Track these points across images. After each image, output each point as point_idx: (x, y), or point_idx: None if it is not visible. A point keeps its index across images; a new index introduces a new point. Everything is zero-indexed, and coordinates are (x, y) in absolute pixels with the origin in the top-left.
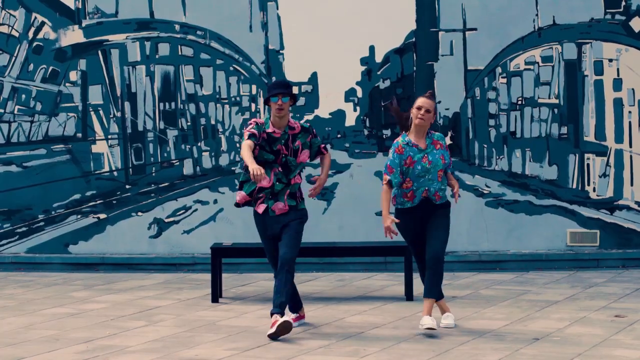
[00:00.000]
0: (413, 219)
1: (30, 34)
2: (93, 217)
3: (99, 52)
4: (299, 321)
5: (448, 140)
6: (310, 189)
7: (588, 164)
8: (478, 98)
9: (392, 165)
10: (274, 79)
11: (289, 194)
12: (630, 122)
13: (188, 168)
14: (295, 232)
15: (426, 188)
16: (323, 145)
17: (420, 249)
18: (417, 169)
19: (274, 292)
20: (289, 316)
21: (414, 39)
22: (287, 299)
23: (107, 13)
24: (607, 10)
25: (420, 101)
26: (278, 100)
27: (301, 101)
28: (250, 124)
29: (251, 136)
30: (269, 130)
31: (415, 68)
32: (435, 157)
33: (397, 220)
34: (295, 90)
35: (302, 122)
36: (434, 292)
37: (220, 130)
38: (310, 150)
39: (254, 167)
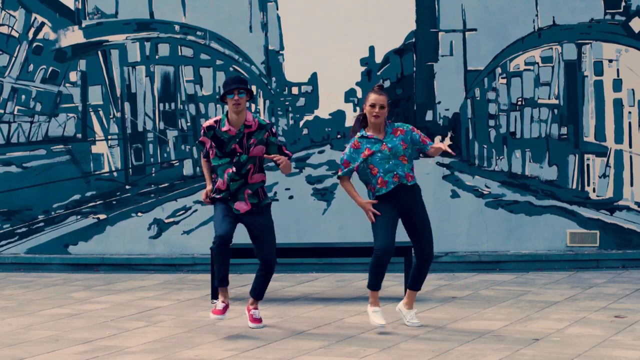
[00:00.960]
0: (391, 204)
1: (30, 35)
2: (93, 218)
3: (99, 53)
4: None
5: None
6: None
7: (588, 165)
8: (478, 98)
9: (348, 159)
10: (273, 79)
11: (249, 193)
12: (630, 123)
13: (188, 168)
14: (269, 231)
15: (395, 172)
16: (284, 148)
17: (390, 233)
18: (378, 156)
19: (259, 286)
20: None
21: (413, 40)
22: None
23: (107, 13)
24: (607, 11)
25: (372, 98)
26: (234, 96)
27: (301, 101)
28: (202, 129)
29: (203, 150)
30: (225, 128)
31: (415, 68)
32: (395, 144)
33: (375, 201)
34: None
35: (261, 118)
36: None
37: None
38: (266, 147)
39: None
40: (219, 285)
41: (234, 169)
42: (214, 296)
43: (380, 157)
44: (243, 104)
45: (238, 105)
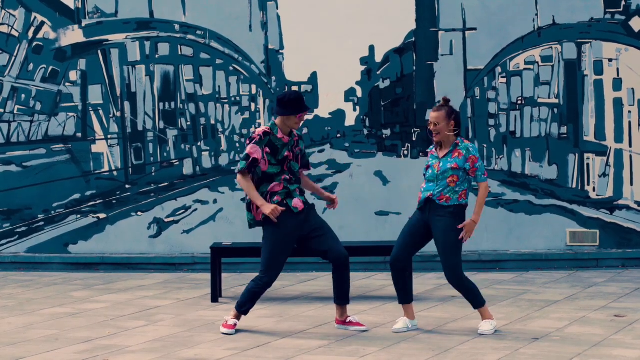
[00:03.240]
0: (418, 217)
1: (30, 34)
2: (93, 217)
3: (99, 52)
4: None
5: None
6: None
7: (588, 164)
8: (478, 98)
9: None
10: (273, 78)
11: (299, 190)
12: (630, 122)
13: (188, 168)
14: (329, 226)
15: (430, 192)
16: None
17: (407, 244)
18: (428, 173)
19: (342, 290)
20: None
21: (413, 39)
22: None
23: (106, 13)
24: (607, 10)
25: (430, 116)
26: (304, 115)
27: None
28: (254, 138)
29: (253, 162)
30: (279, 135)
31: (415, 68)
32: (447, 166)
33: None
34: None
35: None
36: None
37: (220, 130)
38: (301, 159)
39: (268, 210)
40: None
41: (289, 176)
42: (214, 298)
43: (429, 175)
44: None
45: (300, 124)
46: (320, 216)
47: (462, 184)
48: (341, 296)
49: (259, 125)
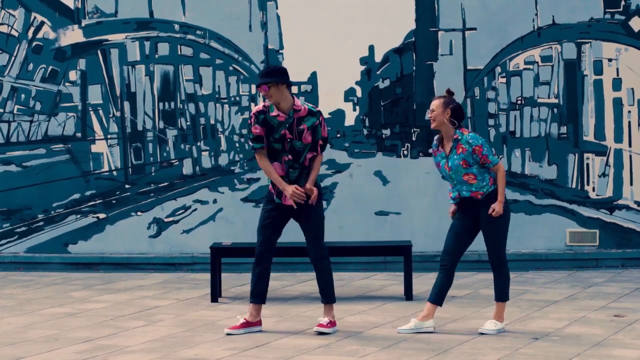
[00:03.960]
0: (461, 212)
1: (30, 34)
2: (92, 217)
3: (99, 52)
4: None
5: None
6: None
7: (587, 164)
8: (477, 98)
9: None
10: None
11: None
12: (629, 122)
13: (187, 168)
14: (316, 222)
15: (457, 193)
16: (321, 143)
17: (455, 246)
18: (443, 174)
19: (321, 288)
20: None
21: (413, 39)
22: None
23: (106, 13)
24: (607, 10)
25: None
26: (261, 91)
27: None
28: (252, 117)
29: (258, 141)
30: (274, 113)
31: (414, 68)
32: (455, 163)
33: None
34: (296, 88)
35: (310, 105)
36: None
37: (220, 130)
38: (312, 136)
39: (289, 191)
40: (252, 302)
41: (290, 156)
42: (214, 298)
43: (445, 175)
44: (273, 95)
45: (270, 97)
46: (315, 211)
47: (482, 177)
48: (321, 294)
49: None
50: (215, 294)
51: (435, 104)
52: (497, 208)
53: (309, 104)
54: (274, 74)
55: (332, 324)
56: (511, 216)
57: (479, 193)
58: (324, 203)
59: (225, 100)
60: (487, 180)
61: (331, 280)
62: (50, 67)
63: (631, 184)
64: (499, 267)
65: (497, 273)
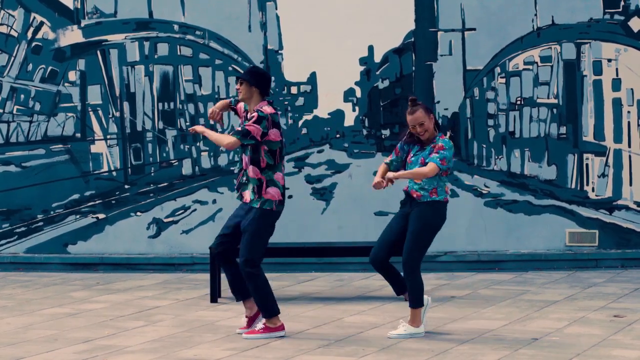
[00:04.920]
0: (400, 206)
1: (29, 34)
2: (92, 217)
3: (98, 52)
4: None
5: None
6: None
7: (587, 164)
8: (477, 98)
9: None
10: (273, 78)
11: (246, 183)
12: (629, 122)
13: (187, 168)
14: (248, 233)
15: (407, 185)
16: (238, 129)
17: (386, 240)
18: (408, 165)
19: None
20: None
21: (412, 39)
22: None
23: (106, 13)
24: (606, 10)
25: (408, 120)
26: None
27: (300, 101)
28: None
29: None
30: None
31: (414, 68)
32: (418, 159)
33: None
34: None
35: (263, 112)
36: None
37: (219, 130)
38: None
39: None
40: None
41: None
42: (213, 299)
43: (408, 166)
44: (242, 92)
45: (239, 93)
46: (249, 220)
47: (429, 181)
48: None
49: None
50: (215, 295)
51: (420, 117)
52: (389, 175)
53: (260, 112)
54: (251, 74)
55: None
56: (511, 216)
57: (418, 194)
58: (323, 203)
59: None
60: (431, 187)
61: (256, 293)
62: (50, 68)
63: (630, 184)
64: (409, 273)
65: (408, 279)
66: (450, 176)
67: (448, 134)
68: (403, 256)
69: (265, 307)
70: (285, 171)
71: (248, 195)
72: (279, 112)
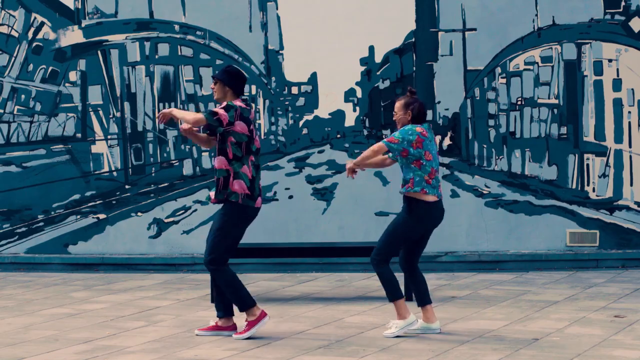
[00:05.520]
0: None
1: (30, 34)
2: (92, 218)
3: (99, 53)
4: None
5: (447, 141)
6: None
7: (587, 164)
8: (478, 98)
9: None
10: (273, 79)
11: (214, 181)
12: (629, 122)
13: (187, 168)
14: (215, 230)
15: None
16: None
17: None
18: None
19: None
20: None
21: (413, 39)
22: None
23: (106, 13)
24: (607, 11)
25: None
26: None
27: (301, 101)
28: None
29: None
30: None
31: (414, 68)
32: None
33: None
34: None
35: (239, 104)
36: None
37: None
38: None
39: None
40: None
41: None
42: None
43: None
44: (216, 91)
45: (214, 92)
46: (215, 217)
47: (406, 172)
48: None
49: (259, 125)
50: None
51: (396, 105)
52: (348, 164)
53: (231, 102)
54: (225, 74)
55: (249, 325)
56: (511, 216)
57: (401, 185)
58: (324, 203)
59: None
60: (408, 179)
61: (227, 289)
62: (51, 68)
63: (631, 184)
64: (377, 265)
65: (377, 272)
66: (450, 176)
67: (448, 134)
68: (376, 247)
69: (240, 300)
70: (255, 168)
71: (214, 193)
72: (252, 109)
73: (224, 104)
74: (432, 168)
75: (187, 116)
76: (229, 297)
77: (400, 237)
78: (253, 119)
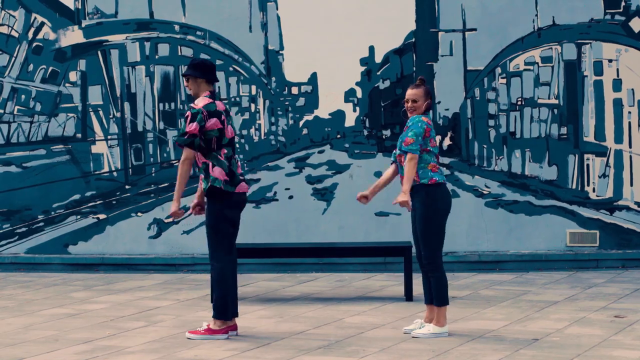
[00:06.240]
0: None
1: (30, 35)
2: (93, 218)
3: (99, 53)
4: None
5: (448, 141)
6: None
7: (588, 165)
8: (478, 98)
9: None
10: (273, 79)
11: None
12: (629, 123)
13: None
14: (206, 225)
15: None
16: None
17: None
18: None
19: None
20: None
21: (413, 40)
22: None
23: (106, 13)
24: (607, 11)
25: (407, 92)
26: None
27: (301, 101)
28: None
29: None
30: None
31: (415, 68)
32: (400, 143)
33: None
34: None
35: (202, 104)
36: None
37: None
38: None
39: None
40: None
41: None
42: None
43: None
44: (190, 87)
45: (188, 89)
46: (206, 213)
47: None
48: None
49: (259, 126)
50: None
51: (416, 93)
52: (398, 198)
53: (193, 109)
54: (192, 68)
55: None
56: (512, 217)
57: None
58: (324, 203)
59: (226, 101)
60: (418, 169)
61: (215, 287)
62: (51, 68)
63: (631, 184)
64: (431, 270)
65: (432, 276)
66: (450, 176)
67: (449, 134)
68: (423, 253)
69: (220, 305)
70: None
71: (200, 186)
72: (221, 102)
73: (188, 116)
74: (436, 155)
75: (180, 167)
76: (214, 295)
77: (436, 229)
78: (224, 109)
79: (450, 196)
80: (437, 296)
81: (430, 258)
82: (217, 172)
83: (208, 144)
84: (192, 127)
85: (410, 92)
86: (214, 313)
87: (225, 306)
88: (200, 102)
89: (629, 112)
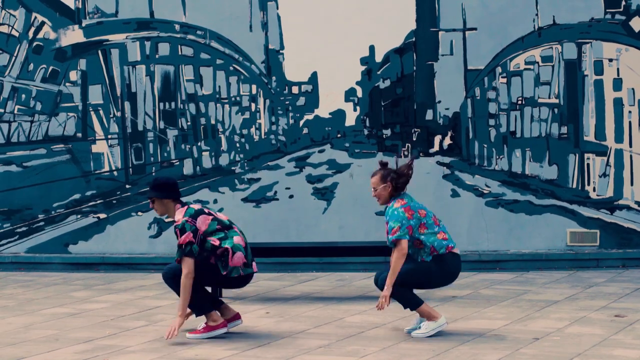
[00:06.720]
0: None
1: (30, 34)
2: (93, 217)
3: (99, 52)
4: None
5: (448, 140)
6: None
7: (588, 164)
8: (478, 98)
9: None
10: (274, 78)
11: None
12: (630, 122)
13: (188, 168)
14: None
15: None
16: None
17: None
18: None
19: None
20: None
21: (414, 39)
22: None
23: (107, 13)
24: (607, 10)
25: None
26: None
27: (301, 101)
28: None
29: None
30: None
31: (415, 68)
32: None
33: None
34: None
35: (181, 215)
36: None
37: (220, 130)
38: None
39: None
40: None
41: None
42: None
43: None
44: (157, 208)
45: (155, 210)
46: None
47: (424, 241)
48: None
49: (259, 125)
50: (216, 294)
51: (373, 181)
52: (383, 294)
53: (177, 225)
54: (156, 190)
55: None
56: (512, 216)
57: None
58: (324, 202)
59: (226, 101)
60: (429, 245)
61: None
62: (51, 67)
63: (632, 184)
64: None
65: (391, 297)
66: (451, 176)
67: (449, 134)
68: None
69: (193, 306)
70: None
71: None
72: (195, 206)
73: (176, 232)
74: (432, 217)
75: (183, 284)
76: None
77: (424, 278)
78: (201, 209)
79: (460, 267)
80: (405, 305)
81: (394, 286)
82: (237, 257)
83: (213, 247)
84: (184, 236)
85: (371, 180)
86: (195, 312)
87: (197, 302)
88: (179, 215)
89: (629, 112)
